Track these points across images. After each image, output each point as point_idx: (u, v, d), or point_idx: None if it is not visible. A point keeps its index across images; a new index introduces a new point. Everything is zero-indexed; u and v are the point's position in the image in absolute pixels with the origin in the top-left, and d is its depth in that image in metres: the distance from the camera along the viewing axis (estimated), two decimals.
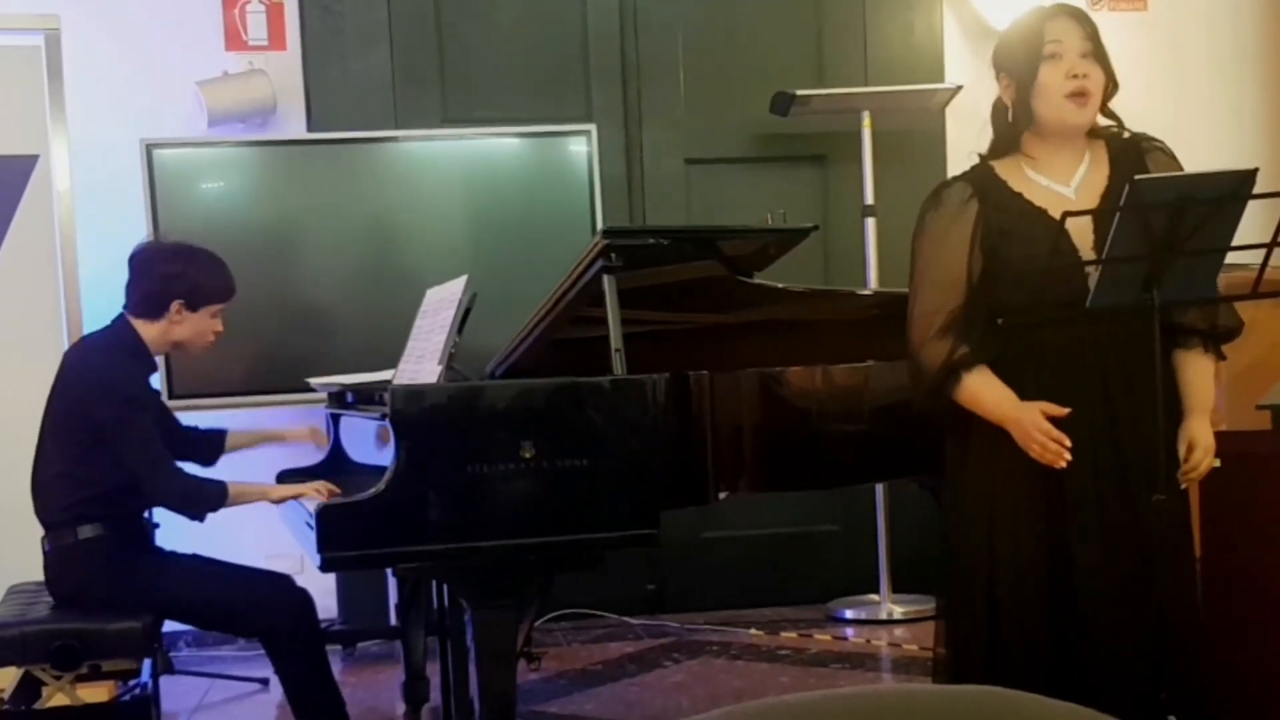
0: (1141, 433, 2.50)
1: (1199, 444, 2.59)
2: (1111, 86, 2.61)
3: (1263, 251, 2.46)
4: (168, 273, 3.43)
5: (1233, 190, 2.43)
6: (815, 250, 5.10)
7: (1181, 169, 2.60)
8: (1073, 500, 2.54)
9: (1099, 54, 2.58)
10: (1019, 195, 2.60)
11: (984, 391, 2.58)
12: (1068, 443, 2.49)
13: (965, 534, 2.64)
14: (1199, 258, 2.47)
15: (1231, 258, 2.51)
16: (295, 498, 3.31)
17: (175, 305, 3.42)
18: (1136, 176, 2.44)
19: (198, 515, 3.38)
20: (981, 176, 2.64)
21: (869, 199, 5.10)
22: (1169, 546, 2.51)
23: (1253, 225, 2.52)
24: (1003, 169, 2.64)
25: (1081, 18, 2.61)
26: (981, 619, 2.61)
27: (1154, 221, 2.40)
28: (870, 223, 5.10)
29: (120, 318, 3.48)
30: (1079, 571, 2.54)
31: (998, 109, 2.68)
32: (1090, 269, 2.48)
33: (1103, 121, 2.67)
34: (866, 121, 5.09)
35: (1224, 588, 3.19)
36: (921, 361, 2.62)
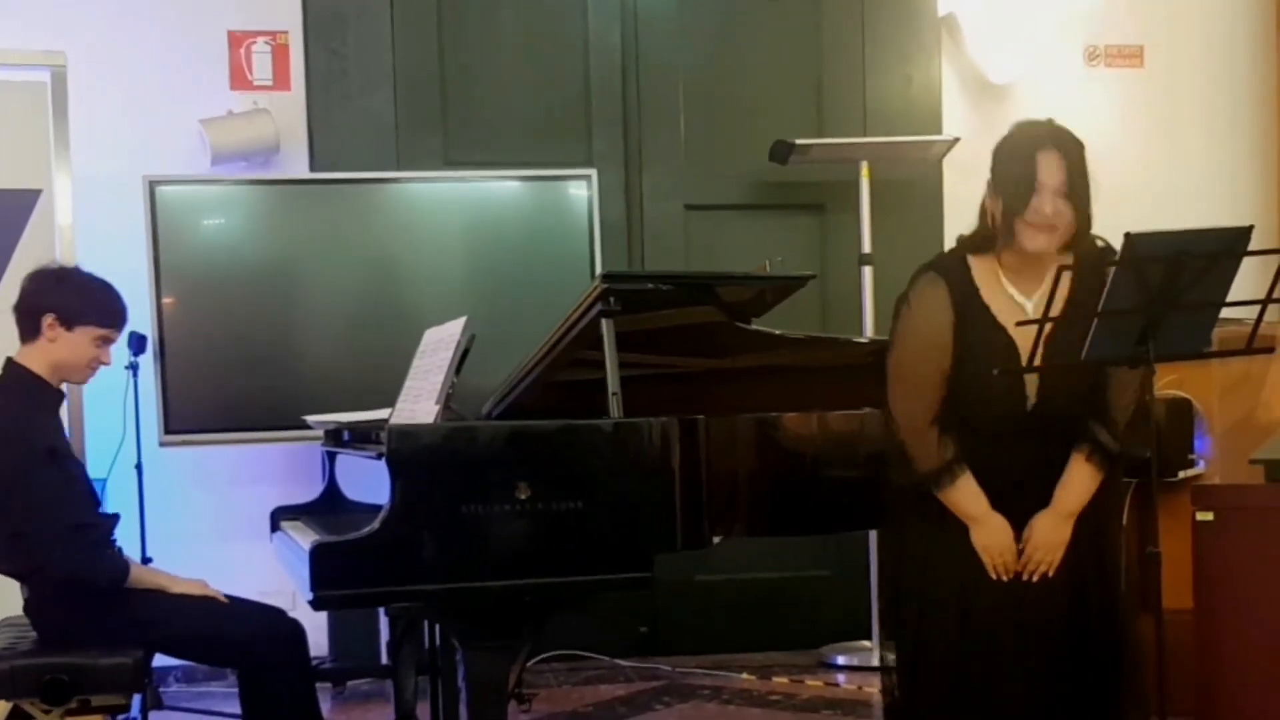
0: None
1: (1032, 537, 2.66)
2: (1083, 221, 2.62)
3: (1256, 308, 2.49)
4: (40, 288, 3.34)
5: (1228, 246, 2.46)
6: (813, 298, 5.14)
7: None
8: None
9: (1075, 191, 2.59)
10: (986, 308, 2.68)
11: (965, 496, 2.68)
12: (1014, 567, 2.64)
13: (930, 592, 2.74)
14: (1193, 312, 2.50)
15: (1227, 313, 2.54)
16: (191, 595, 3.28)
17: (48, 320, 3.28)
18: (1131, 231, 2.47)
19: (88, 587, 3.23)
20: (958, 276, 2.70)
21: (866, 248, 5.12)
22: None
23: (1246, 281, 2.55)
24: (979, 268, 2.71)
25: (1067, 149, 2.61)
26: (949, 665, 2.69)
27: (1150, 276, 2.42)
28: (867, 271, 5.12)
29: (8, 361, 3.33)
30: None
31: (985, 208, 2.72)
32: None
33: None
34: (865, 171, 5.12)
35: (1217, 638, 3.19)
36: (911, 456, 2.71)
